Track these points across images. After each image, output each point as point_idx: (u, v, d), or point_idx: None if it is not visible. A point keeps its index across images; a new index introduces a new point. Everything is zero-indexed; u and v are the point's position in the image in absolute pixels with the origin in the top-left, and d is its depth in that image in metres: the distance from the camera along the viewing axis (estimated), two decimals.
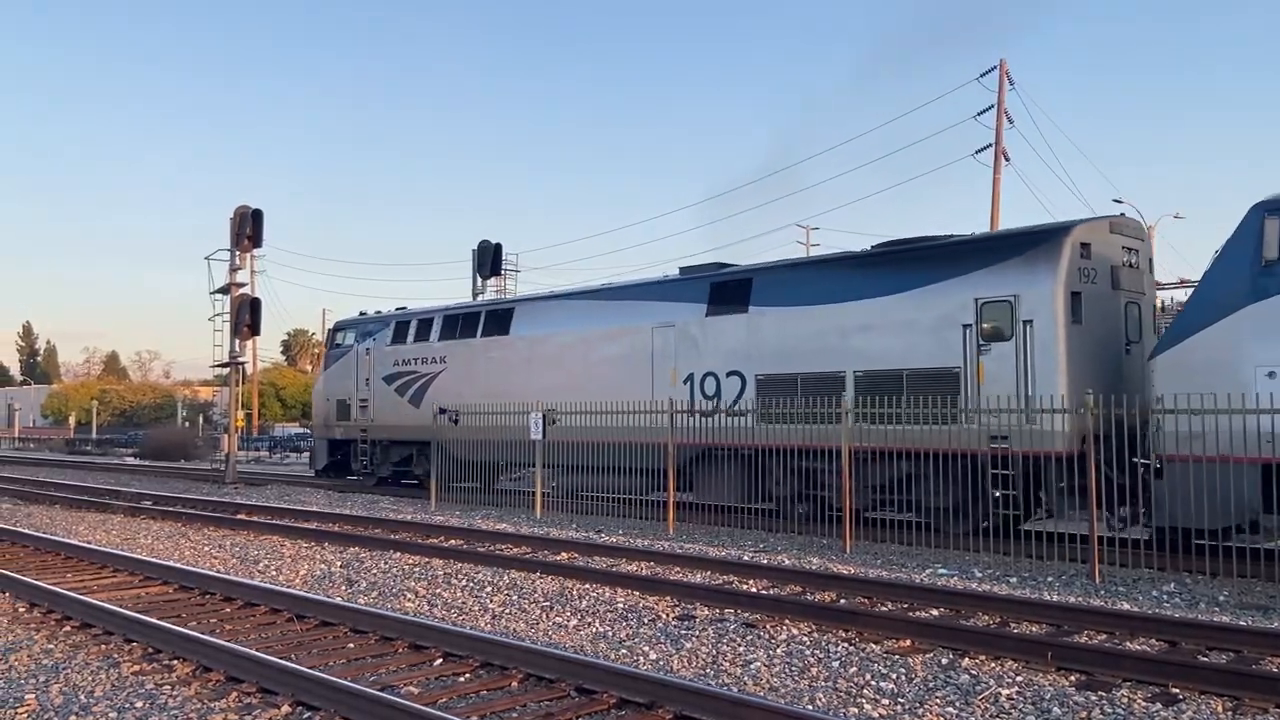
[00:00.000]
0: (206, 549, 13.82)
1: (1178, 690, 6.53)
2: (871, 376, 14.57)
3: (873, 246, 16.25)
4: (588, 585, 10.48)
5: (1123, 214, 16.08)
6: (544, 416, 17.41)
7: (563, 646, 7.89)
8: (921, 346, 14.23)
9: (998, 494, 12.77)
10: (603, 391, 17.38)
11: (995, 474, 12.73)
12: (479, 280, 29.05)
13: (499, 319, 21.33)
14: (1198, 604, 9.67)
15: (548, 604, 9.67)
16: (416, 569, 11.79)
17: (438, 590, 10.51)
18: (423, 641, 7.71)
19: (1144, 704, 6.31)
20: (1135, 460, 11.71)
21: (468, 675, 6.97)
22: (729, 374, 16.59)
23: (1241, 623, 8.65)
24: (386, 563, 12.28)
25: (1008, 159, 31.01)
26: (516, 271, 31.15)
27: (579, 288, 21.24)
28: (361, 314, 25.67)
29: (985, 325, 13.68)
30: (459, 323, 22.25)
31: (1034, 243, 13.80)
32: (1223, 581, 10.66)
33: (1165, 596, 10.02)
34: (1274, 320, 10.88)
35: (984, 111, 31.20)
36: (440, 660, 7.32)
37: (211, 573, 11.11)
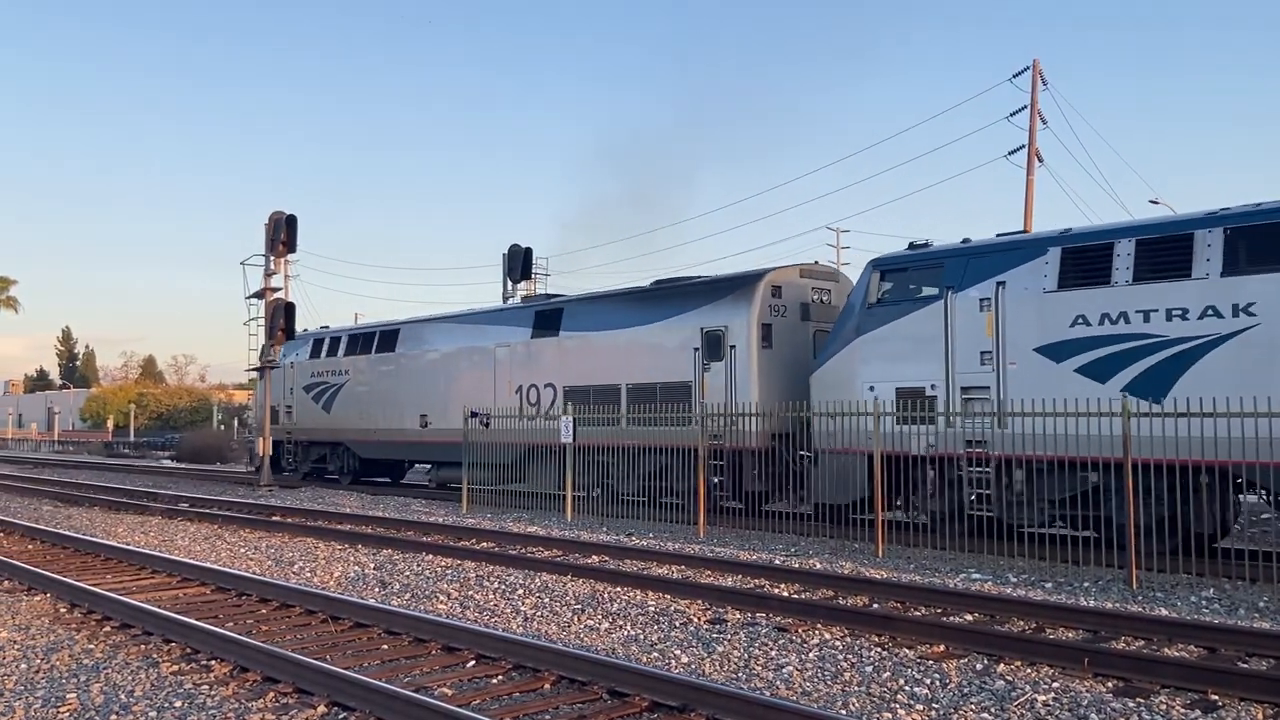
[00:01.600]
0: (242, 551, 13.98)
1: (1217, 697, 6.45)
2: (638, 389, 18.58)
3: (650, 283, 20.24)
4: (619, 588, 10.50)
5: (816, 261, 19.29)
6: (574, 421, 17.71)
7: (595, 649, 7.91)
8: (668, 365, 18.21)
9: (716, 480, 16.55)
10: (462, 400, 21.11)
11: (713, 464, 16.28)
12: (509, 284, 29.17)
13: (387, 338, 25.23)
14: (1237, 610, 9.53)
15: (579, 607, 9.69)
16: (449, 571, 11.86)
17: (470, 592, 10.57)
18: (456, 643, 7.76)
19: (1182, 710, 6.23)
20: (801, 453, 15.33)
21: (500, 677, 7.01)
22: (546, 385, 20.52)
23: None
24: (419, 565, 12.37)
25: (1041, 160, 30.69)
26: (546, 275, 31.26)
27: (448, 312, 25.42)
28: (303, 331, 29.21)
29: (707, 349, 17.53)
30: (359, 341, 26.25)
31: (738, 286, 17.70)
32: (1262, 587, 10.50)
33: (1204, 603, 9.88)
34: (873, 349, 14.64)
35: (1017, 112, 30.91)
36: (473, 662, 7.36)
37: (247, 574, 11.24)
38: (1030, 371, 12.92)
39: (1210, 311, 11.57)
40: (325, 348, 27.34)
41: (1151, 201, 37.19)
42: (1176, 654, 7.73)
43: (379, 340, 25.45)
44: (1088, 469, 12.12)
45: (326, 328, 28.68)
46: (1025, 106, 30.65)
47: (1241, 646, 7.77)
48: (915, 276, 14.67)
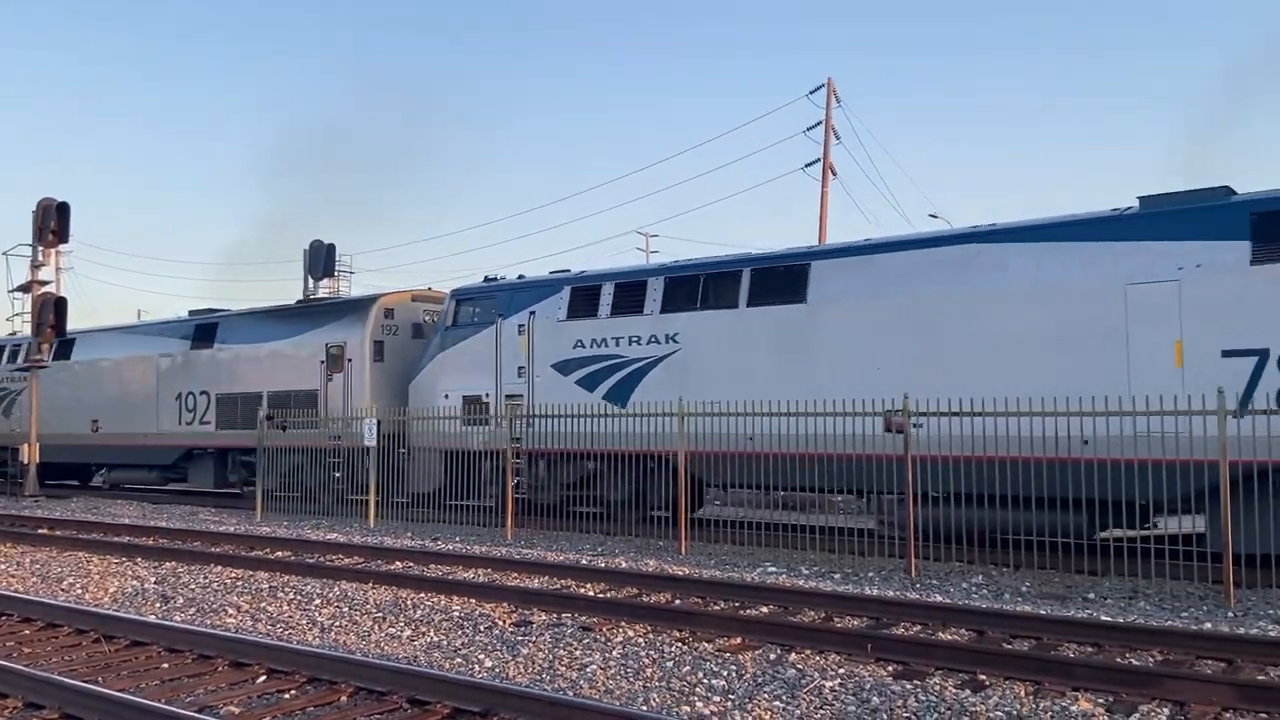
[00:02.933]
0: (1, 567, 12.78)
1: (985, 677, 6.97)
2: (276, 395, 20.89)
3: (296, 302, 23.02)
4: (423, 594, 10.29)
5: (429, 288, 21.63)
6: (378, 424, 17.38)
7: (395, 657, 7.71)
8: (300, 375, 20.67)
9: (338, 474, 19.22)
10: (131, 403, 23.82)
11: (333, 461, 19.22)
12: (310, 281, 27.98)
13: (64, 347, 26.05)
14: (1003, 595, 10.35)
15: (380, 615, 9.43)
16: (239, 583, 11.27)
17: (262, 604, 10.08)
18: (244, 659, 7.38)
19: (954, 690, 6.70)
20: (401, 450, 17.92)
21: (294, 692, 6.72)
22: (201, 393, 22.50)
23: (1041, 611, 9.31)
24: (206, 577, 11.68)
25: (834, 173, 32.36)
26: (350, 273, 30.20)
27: (117, 324, 27.82)
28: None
29: (331, 362, 20.14)
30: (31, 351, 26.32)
31: (356, 309, 20.60)
32: (1025, 573, 11.45)
33: (974, 589, 10.68)
34: (450, 363, 18.16)
35: (813, 127, 32.47)
36: (264, 677, 7.02)
37: (7, 592, 10.29)
38: (548, 383, 16.66)
39: (653, 339, 15.64)
40: (5, 354, 28.09)
41: (931, 215, 39.90)
42: (950, 638, 8.32)
43: (57, 349, 26.06)
44: (586, 459, 15.82)
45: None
46: (820, 122, 32.29)
47: (1007, 629, 8.44)
48: (480, 305, 18.15)
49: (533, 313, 17.09)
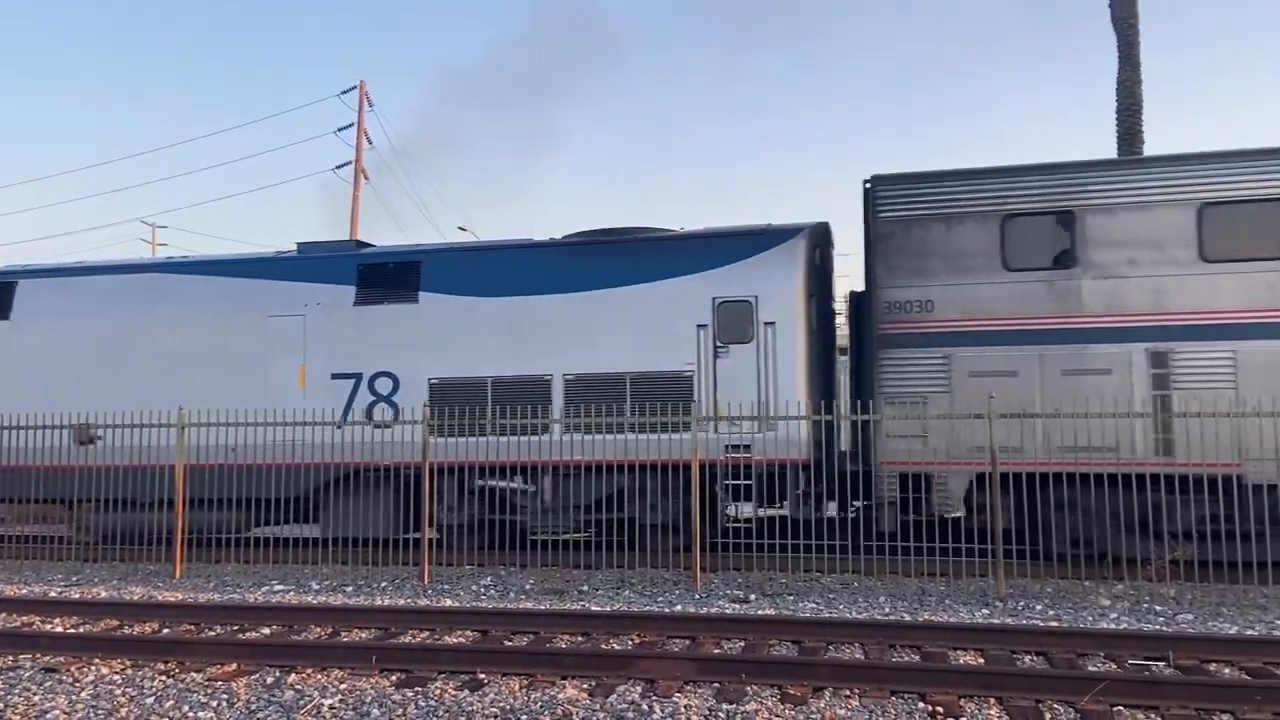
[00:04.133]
0: None
1: (484, 675, 7.22)
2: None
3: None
4: None
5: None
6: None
7: None
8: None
9: None
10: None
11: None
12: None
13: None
14: (509, 594, 10.83)
15: None
16: None
17: None
18: None
19: (454, 692, 6.85)
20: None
21: None
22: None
23: (541, 607, 9.88)
24: None
25: (367, 176, 31.87)
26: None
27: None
28: None
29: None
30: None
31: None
32: (530, 571, 12.09)
33: (483, 590, 11.05)
34: None
35: (345, 128, 31.72)
36: None
37: None
38: None
39: None
40: None
41: (460, 228, 40.89)
42: (456, 640, 8.51)
43: None
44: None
45: None
46: (353, 123, 31.64)
47: (509, 626, 8.83)
48: None
49: None
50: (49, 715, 6.49)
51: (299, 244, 14.87)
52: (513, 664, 7.41)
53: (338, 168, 31.85)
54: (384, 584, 11.44)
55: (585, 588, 11.08)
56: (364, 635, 8.76)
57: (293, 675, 7.33)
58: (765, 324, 12.49)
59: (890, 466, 11.59)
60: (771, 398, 12.25)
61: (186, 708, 6.58)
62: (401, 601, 10.30)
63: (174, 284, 14.56)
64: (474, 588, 11.17)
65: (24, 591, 11.10)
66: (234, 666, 7.56)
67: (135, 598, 10.62)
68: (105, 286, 14.72)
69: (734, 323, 12.57)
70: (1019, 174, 11.73)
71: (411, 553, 12.44)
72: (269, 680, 7.22)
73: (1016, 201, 11.66)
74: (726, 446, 12.22)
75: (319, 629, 8.98)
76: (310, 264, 14.23)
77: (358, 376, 13.56)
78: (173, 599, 10.48)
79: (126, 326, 14.34)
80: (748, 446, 12.14)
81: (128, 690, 7.03)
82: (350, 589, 11.18)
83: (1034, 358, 11.37)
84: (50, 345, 14.46)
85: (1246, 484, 10.60)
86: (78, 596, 10.74)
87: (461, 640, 8.55)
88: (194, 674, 7.44)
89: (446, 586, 11.23)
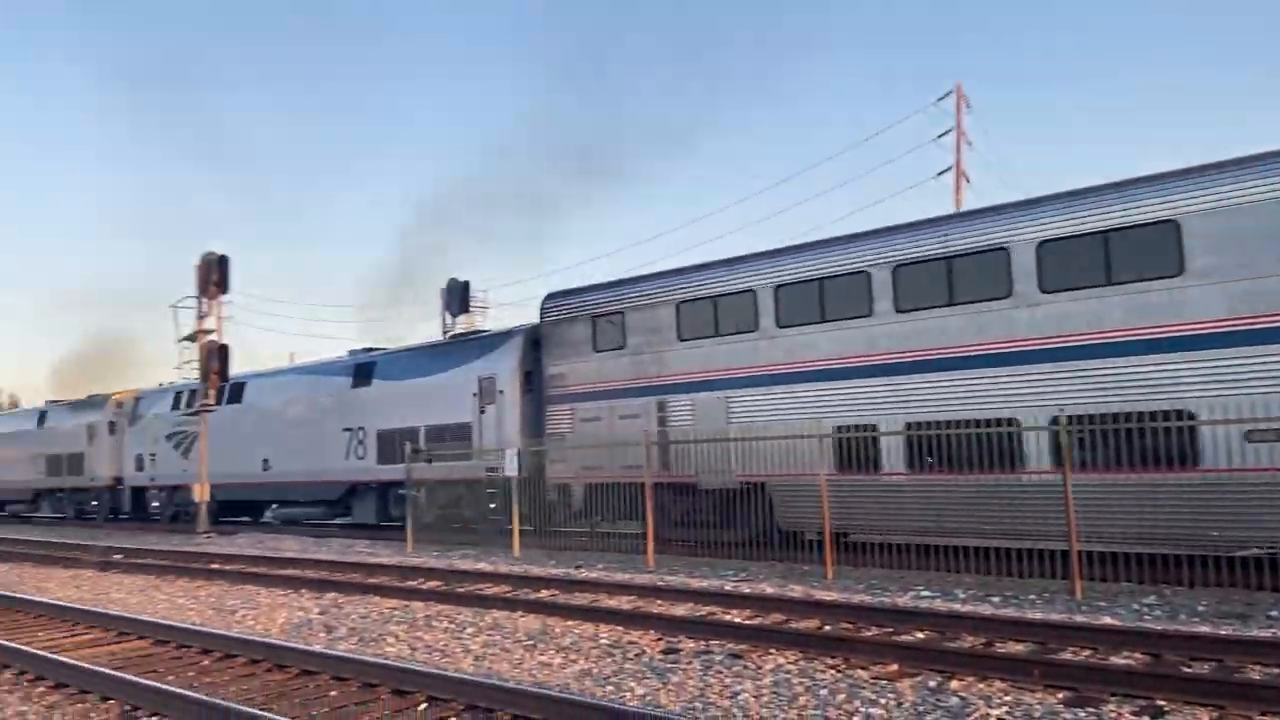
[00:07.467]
0: (181, 601, 13.58)
1: (1164, 702, 6.56)
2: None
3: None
4: (570, 622, 10.39)
5: None
6: (519, 455, 17.79)
7: (548, 685, 7.80)
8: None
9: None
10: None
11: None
12: (449, 318, 28.92)
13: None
14: (1178, 615, 9.74)
15: (530, 643, 9.57)
16: (396, 612, 11.64)
17: (418, 633, 10.38)
18: (406, 686, 7.60)
19: (1132, 717, 6.32)
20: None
21: (454, 719, 6.87)
22: (361, 429, 24.27)
23: (1222, 631, 8.71)
24: (365, 607, 12.12)
25: (968, 180, 31.51)
26: (485, 309, 31.12)
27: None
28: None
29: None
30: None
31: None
32: (1200, 592, 10.75)
33: (1146, 609, 10.08)
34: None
35: (944, 134, 31.73)
36: (425, 705, 7.21)
37: (187, 625, 10.90)
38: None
39: None
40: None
41: None
42: (1123, 661, 7.87)
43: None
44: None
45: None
46: (951, 129, 31.53)
47: (1185, 651, 7.93)
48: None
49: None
50: (740, 696, 7.32)
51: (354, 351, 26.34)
52: (1197, 692, 6.64)
53: (939, 175, 31.88)
54: (1032, 596, 11.02)
55: (1273, 613, 9.52)
56: (1020, 648, 8.50)
57: (954, 681, 7.37)
58: (499, 392, 20.23)
59: (552, 479, 18.49)
60: (504, 439, 19.73)
61: (858, 702, 6.96)
62: (1055, 616, 9.81)
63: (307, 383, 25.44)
64: (1135, 607, 10.23)
65: (704, 584, 12.74)
66: (895, 667, 7.84)
67: (796, 595, 11.57)
68: (292, 381, 25.15)
69: (488, 391, 20.44)
70: (598, 290, 18.51)
71: (1060, 566, 11.82)
72: (931, 684, 7.35)
73: (599, 307, 18.33)
74: (486, 469, 19.64)
75: (972, 638, 8.92)
76: (341, 365, 25.29)
77: (360, 429, 23.79)
78: (829, 598, 11.23)
79: (301, 405, 25.14)
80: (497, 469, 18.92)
81: (803, 680, 7.66)
82: (997, 600, 10.95)
83: (607, 408, 17.88)
84: (260, 419, 25.98)
85: (700, 488, 16.36)
86: (748, 591, 12.02)
87: (1131, 662, 7.87)
88: (859, 671, 7.86)
89: (1103, 604, 10.45)
